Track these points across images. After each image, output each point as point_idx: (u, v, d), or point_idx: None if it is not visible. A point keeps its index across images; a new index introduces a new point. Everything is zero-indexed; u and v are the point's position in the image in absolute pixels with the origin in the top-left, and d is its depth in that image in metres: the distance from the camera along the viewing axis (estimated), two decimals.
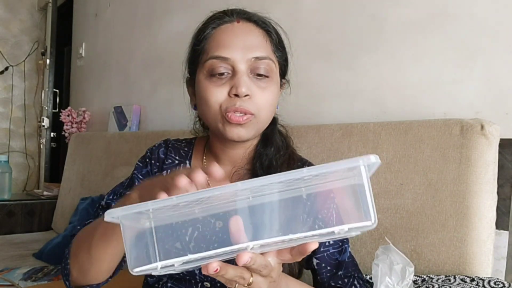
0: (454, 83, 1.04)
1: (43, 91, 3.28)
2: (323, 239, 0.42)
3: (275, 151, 0.77)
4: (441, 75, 1.06)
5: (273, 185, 0.41)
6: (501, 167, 0.91)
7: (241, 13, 0.73)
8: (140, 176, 0.81)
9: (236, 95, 0.67)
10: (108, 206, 0.78)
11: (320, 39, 1.35)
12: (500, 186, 0.90)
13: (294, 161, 0.79)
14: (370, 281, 0.74)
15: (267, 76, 0.71)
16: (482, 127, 0.89)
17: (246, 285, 0.49)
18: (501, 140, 0.90)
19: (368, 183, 0.40)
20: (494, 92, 0.98)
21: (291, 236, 0.41)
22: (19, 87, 3.39)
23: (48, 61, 3.12)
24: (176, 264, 0.45)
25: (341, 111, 1.27)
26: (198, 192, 0.42)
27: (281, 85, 0.79)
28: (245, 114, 0.68)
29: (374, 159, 0.39)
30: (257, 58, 0.69)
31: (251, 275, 0.48)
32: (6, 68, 3.32)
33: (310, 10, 1.38)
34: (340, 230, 0.40)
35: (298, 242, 0.42)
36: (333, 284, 0.74)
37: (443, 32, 1.06)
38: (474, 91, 1.01)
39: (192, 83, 0.76)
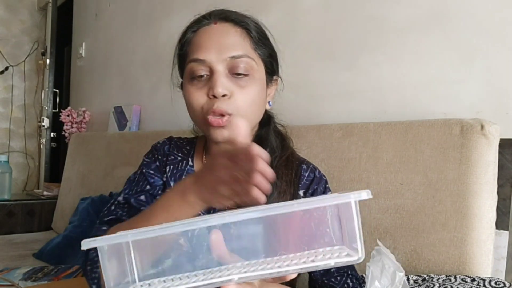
0: (454, 83, 1.04)
1: (43, 91, 3.28)
2: (306, 270, 0.43)
3: (270, 152, 0.76)
4: (441, 75, 1.06)
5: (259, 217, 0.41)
6: (501, 167, 0.91)
7: (219, 14, 0.74)
8: (151, 171, 0.81)
9: (214, 96, 0.68)
10: (127, 202, 0.78)
11: (320, 39, 1.35)
12: (500, 186, 0.90)
13: (293, 163, 0.78)
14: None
15: (246, 75, 0.70)
16: (482, 127, 0.89)
17: None
18: (501, 140, 0.91)
19: (358, 219, 0.40)
20: (494, 92, 0.98)
21: (277, 270, 0.41)
22: (19, 87, 3.40)
23: (48, 61, 3.13)
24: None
25: (341, 111, 1.27)
26: (184, 224, 0.42)
27: (271, 82, 0.79)
28: (224, 115, 0.68)
29: (365, 195, 0.39)
30: (233, 57, 0.69)
31: None
32: (6, 68, 3.32)
33: (310, 10, 1.38)
34: (325, 265, 0.40)
35: (281, 274, 0.42)
36: (326, 281, 0.74)
37: (443, 32, 1.06)
38: (474, 91, 1.01)
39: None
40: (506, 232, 0.92)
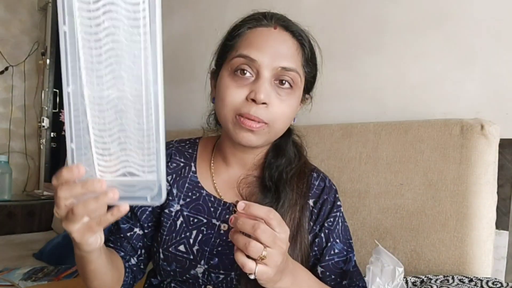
0: (454, 83, 1.04)
1: (43, 91, 3.27)
2: None
3: (286, 163, 0.76)
4: (441, 75, 1.06)
5: None
6: (501, 167, 0.91)
7: (280, 20, 0.72)
8: None
9: (253, 100, 0.66)
10: (117, 223, 0.80)
11: (320, 39, 1.34)
12: (500, 186, 0.90)
13: (305, 174, 0.77)
14: None
15: (289, 88, 0.69)
16: (482, 127, 0.89)
17: (260, 259, 0.51)
18: (501, 140, 0.91)
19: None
20: (494, 92, 0.98)
21: None
22: (19, 87, 3.39)
23: (48, 61, 3.12)
24: None
25: (341, 111, 1.27)
26: None
27: (303, 100, 0.78)
28: (258, 122, 0.67)
29: None
30: (284, 68, 0.68)
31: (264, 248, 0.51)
32: (6, 68, 3.32)
33: (310, 10, 1.38)
34: None
35: None
36: None
37: (443, 32, 1.06)
38: (474, 91, 1.01)
39: (216, 76, 0.75)
40: (506, 232, 0.92)
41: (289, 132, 0.79)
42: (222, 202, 0.77)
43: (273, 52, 0.68)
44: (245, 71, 0.68)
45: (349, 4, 1.27)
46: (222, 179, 0.79)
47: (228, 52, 0.72)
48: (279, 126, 0.71)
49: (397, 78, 1.15)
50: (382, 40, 1.18)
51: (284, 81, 0.69)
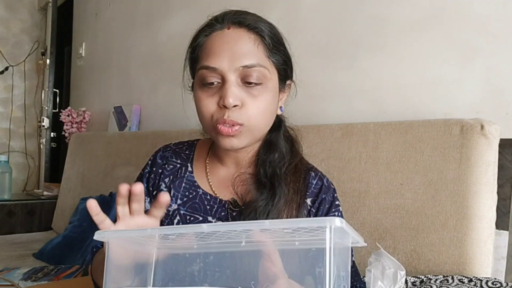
0: (454, 83, 1.04)
1: (43, 91, 3.28)
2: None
3: (279, 158, 0.75)
4: (441, 75, 1.06)
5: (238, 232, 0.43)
6: (501, 167, 0.91)
7: (232, 18, 0.70)
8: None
9: (225, 106, 0.67)
10: None
11: (320, 39, 1.35)
12: (500, 186, 0.90)
13: (301, 171, 0.77)
14: None
15: (258, 84, 0.68)
16: (482, 127, 0.89)
17: None
18: (501, 140, 0.90)
19: (331, 248, 0.40)
20: (494, 92, 0.98)
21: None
22: (19, 87, 3.39)
23: (48, 61, 3.12)
24: None
25: (341, 111, 1.27)
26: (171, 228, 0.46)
27: (284, 88, 0.77)
28: (234, 125, 0.67)
29: (339, 222, 0.39)
30: (245, 67, 0.67)
31: None
32: (6, 68, 3.32)
33: (310, 10, 1.38)
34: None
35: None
36: None
37: (443, 32, 1.06)
38: (474, 91, 1.01)
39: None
40: (506, 232, 0.92)
41: (279, 125, 0.79)
42: (218, 200, 0.77)
43: (231, 54, 0.67)
44: (212, 81, 0.68)
45: (349, 4, 1.27)
46: (217, 178, 0.80)
47: (194, 64, 0.73)
48: (259, 123, 0.70)
49: (397, 78, 1.15)
50: (382, 40, 1.18)
51: (251, 80, 0.68)
